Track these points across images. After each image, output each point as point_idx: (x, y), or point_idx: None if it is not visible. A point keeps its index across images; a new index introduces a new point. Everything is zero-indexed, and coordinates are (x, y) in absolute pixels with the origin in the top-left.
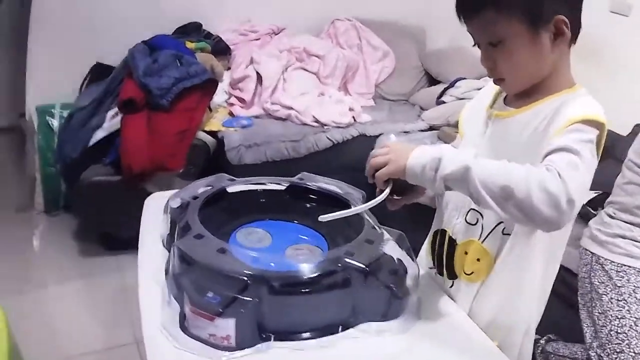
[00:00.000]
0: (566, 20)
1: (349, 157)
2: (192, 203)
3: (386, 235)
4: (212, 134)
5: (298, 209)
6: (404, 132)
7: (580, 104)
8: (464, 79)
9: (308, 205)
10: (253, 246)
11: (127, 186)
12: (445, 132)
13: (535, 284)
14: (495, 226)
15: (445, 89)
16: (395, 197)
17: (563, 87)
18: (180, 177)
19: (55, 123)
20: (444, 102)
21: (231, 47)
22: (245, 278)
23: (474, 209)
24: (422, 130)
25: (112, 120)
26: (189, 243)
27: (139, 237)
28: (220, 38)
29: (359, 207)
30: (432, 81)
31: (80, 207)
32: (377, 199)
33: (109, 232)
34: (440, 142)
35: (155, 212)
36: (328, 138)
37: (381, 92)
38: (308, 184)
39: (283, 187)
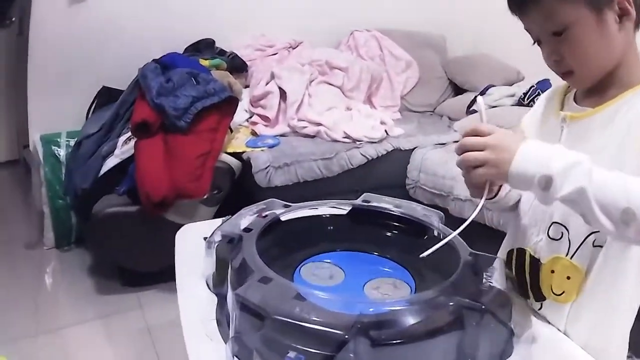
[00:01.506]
0: None
1: (385, 173)
2: (245, 237)
3: (485, 261)
4: (236, 155)
5: (366, 236)
6: (440, 144)
7: None
8: (494, 86)
9: (377, 232)
10: (324, 284)
11: (145, 216)
12: None
13: (631, 300)
14: (585, 238)
15: (476, 97)
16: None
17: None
18: (204, 204)
19: (62, 153)
20: (475, 111)
21: (248, 63)
22: (341, 332)
23: (557, 222)
24: (457, 142)
25: (124, 146)
26: (255, 290)
27: (176, 278)
28: (236, 54)
29: (457, 231)
30: (457, 90)
31: (94, 241)
32: (475, 211)
33: (127, 267)
34: None
35: (191, 246)
36: (362, 154)
37: (407, 104)
38: (374, 206)
39: (344, 212)
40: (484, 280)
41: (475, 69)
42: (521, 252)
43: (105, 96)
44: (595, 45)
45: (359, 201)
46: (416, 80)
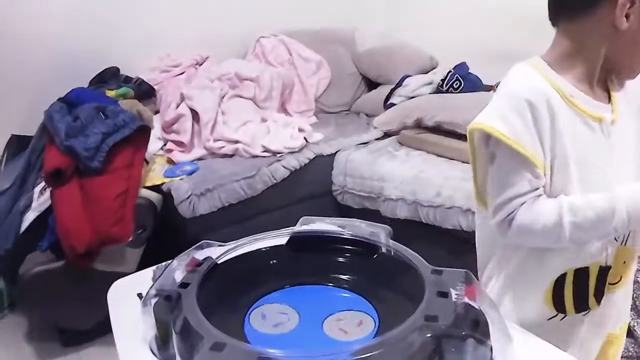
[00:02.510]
0: None
1: (310, 183)
2: (183, 295)
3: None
4: (155, 188)
5: (312, 265)
6: (362, 143)
7: None
8: (410, 76)
9: (323, 258)
10: (279, 332)
11: (72, 270)
12: (407, 135)
13: None
14: None
15: (393, 90)
16: None
17: None
18: (130, 247)
19: None
20: (393, 104)
21: (155, 87)
22: None
23: None
24: (378, 139)
25: (41, 197)
26: None
27: (117, 346)
28: (142, 80)
29: None
30: (371, 85)
31: (26, 304)
32: None
33: (64, 326)
34: (404, 147)
35: (126, 306)
36: (284, 167)
37: (321, 106)
38: (313, 230)
39: (283, 242)
40: (454, 300)
41: (387, 61)
42: (582, 272)
43: (15, 145)
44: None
45: (297, 227)
46: (328, 80)
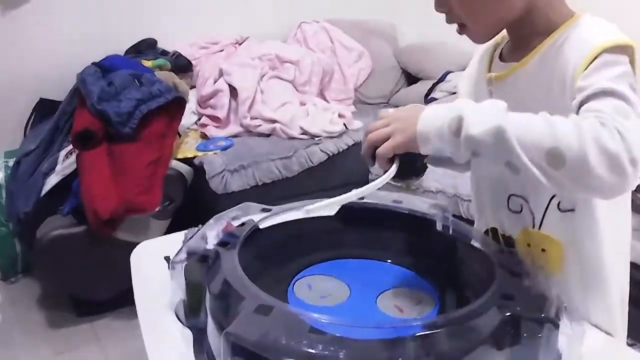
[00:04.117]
0: None
1: (347, 169)
2: (223, 253)
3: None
4: (186, 161)
5: (363, 238)
6: None
7: (594, 28)
8: (452, 72)
9: (376, 233)
10: (328, 303)
11: (93, 237)
12: None
13: (614, 273)
14: (548, 204)
15: (434, 85)
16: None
17: (561, 21)
18: (155, 218)
19: (0, 175)
20: (434, 99)
21: (192, 62)
22: None
23: (514, 195)
24: None
25: (66, 161)
26: (252, 325)
27: (137, 311)
28: (180, 53)
29: (357, 192)
30: (410, 80)
31: (42, 269)
32: (380, 179)
33: (79, 295)
34: None
35: (150, 269)
36: (322, 150)
37: (360, 96)
38: (365, 202)
39: (332, 213)
40: (525, 282)
41: (429, 57)
42: (494, 231)
43: (44, 109)
44: None
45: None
46: (369, 71)
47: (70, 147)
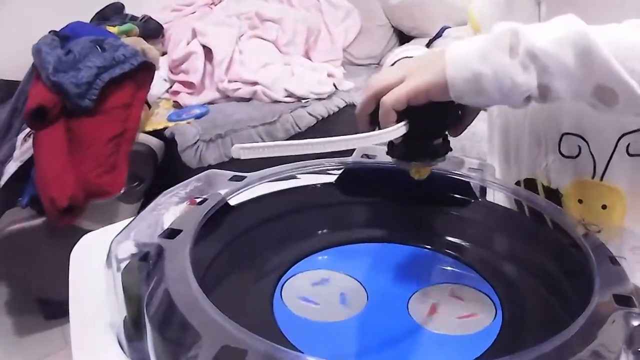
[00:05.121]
0: None
1: (339, 134)
2: (168, 249)
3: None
4: (157, 134)
5: (374, 215)
6: None
7: None
8: (449, 27)
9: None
10: (340, 318)
11: (54, 228)
12: None
13: None
14: (616, 146)
15: (431, 41)
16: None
17: None
18: (122, 202)
19: None
20: None
21: (164, 26)
22: None
23: (568, 134)
24: None
25: (24, 145)
26: None
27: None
28: (149, 17)
29: (342, 138)
30: (403, 38)
31: (3, 269)
32: (386, 130)
33: (44, 295)
34: None
35: (93, 272)
36: (310, 114)
37: (349, 57)
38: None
39: (332, 180)
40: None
41: (422, 13)
42: (531, 182)
43: (4, 91)
44: None
45: (352, 158)
46: (358, 29)
47: (28, 129)
